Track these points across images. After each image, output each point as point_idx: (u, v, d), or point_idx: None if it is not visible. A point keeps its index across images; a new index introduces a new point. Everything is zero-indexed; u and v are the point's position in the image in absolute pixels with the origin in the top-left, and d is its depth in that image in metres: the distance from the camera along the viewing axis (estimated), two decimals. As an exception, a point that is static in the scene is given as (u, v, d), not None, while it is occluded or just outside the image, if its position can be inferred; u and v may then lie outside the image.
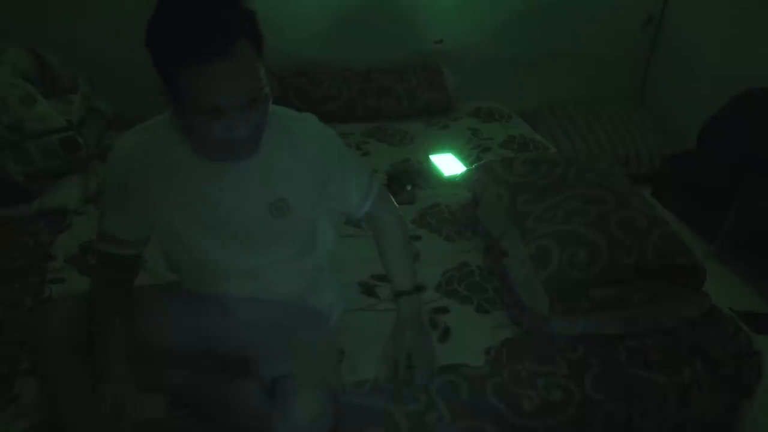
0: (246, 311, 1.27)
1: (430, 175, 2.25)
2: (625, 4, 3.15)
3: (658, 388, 1.37)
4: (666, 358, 1.42)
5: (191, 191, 1.14)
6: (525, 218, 1.64)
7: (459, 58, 3.01)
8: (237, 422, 1.16)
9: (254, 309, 1.27)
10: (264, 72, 1.00)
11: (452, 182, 2.14)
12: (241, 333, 1.26)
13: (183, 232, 1.18)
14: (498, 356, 1.42)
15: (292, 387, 1.09)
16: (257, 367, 1.21)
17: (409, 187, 2.06)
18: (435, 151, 2.43)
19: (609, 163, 1.95)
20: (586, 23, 3.11)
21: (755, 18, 2.71)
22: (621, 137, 3.06)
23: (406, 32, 2.97)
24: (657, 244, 1.51)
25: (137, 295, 1.27)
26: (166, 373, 1.27)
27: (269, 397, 1.14)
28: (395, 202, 1.40)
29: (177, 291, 1.30)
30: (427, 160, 2.37)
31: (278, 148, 1.15)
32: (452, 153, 2.42)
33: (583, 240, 1.51)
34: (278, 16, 2.66)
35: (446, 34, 3.01)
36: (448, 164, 2.33)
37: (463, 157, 2.40)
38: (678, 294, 1.55)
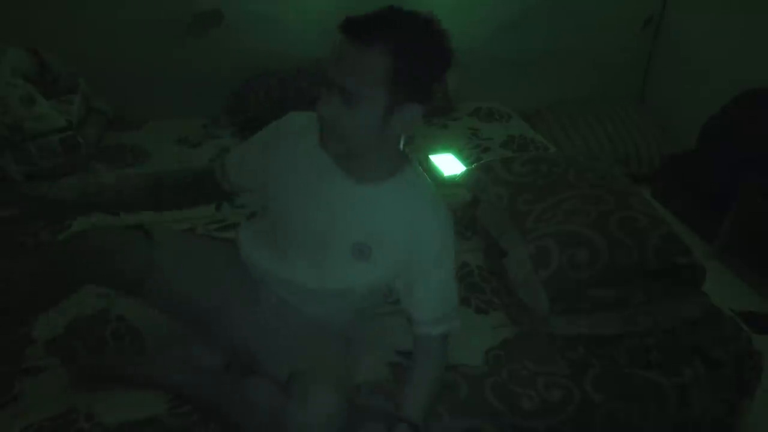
0: (274, 313, 1.28)
1: (430, 175, 2.24)
2: (625, 4, 3.15)
3: (658, 388, 1.37)
4: (666, 358, 1.42)
5: (308, 188, 1.18)
6: (525, 218, 1.64)
7: (459, 58, 3.01)
8: (250, 419, 1.15)
9: (282, 314, 1.28)
10: (386, 94, 1.04)
11: (452, 182, 2.14)
12: (261, 326, 1.26)
13: (279, 215, 1.23)
14: (497, 356, 1.42)
15: (311, 380, 1.09)
16: (265, 367, 1.21)
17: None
18: (435, 151, 2.43)
19: (609, 163, 1.95)
20: (586, 23, 3.10)
21: (755, 18, 2.71)
22: (621, 137, 3.05)
23: (406, 32, 2.97)
24: (657, 244, 1.51)
25: (193, 239, 1.41)
26: (167, 372, 1.27)
27: (284, 393, 1.14)
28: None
29: (232, 254, 1.32)
30: (427, 160, 2.37)
31: (391, 205, 1.18)
32: (452, 153, 2.42)
33: (583, 240, 1.51)
34: (278, 16, 2.66)
35: (446, 34, 3.01)
36: (448, 164, 2.33)
37: (463, 157, 2.40)
38: (678, 294, 1.55)
